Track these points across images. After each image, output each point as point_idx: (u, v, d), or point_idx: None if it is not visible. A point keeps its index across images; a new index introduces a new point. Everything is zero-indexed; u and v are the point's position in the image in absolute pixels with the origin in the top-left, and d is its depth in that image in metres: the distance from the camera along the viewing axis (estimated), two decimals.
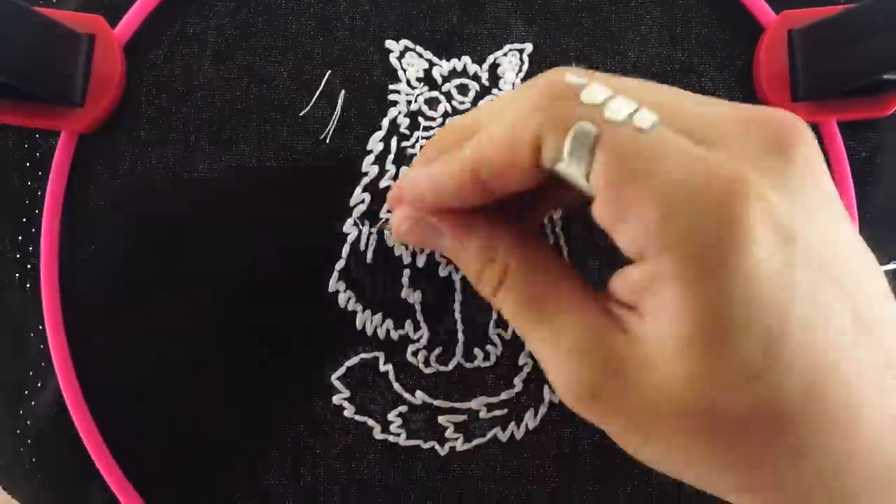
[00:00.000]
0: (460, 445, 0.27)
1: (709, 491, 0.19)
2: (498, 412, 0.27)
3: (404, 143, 0.27)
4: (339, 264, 0.27)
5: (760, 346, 0.17)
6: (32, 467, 0.28)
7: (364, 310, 0.27)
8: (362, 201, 0.27)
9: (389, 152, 0.27)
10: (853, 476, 0.18)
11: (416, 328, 0.27)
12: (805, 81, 0.27)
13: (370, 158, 0.27)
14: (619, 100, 0.18)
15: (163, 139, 0.27)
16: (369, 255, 0.27)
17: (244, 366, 0.27)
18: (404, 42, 0.28)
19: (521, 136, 0.19)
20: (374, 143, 0.27)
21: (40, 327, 0.27)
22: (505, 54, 0.28)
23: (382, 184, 0.27)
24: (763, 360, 0.17)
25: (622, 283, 0.19)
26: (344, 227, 0.27)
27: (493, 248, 0.21)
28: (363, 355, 0.27)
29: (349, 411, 0.27)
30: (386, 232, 0.27)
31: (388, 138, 0.27)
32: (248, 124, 0.27)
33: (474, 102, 0.28)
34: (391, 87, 0.28)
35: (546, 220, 0.27)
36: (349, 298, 0.27)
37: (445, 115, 0.28)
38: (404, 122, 0.28)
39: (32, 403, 0.28)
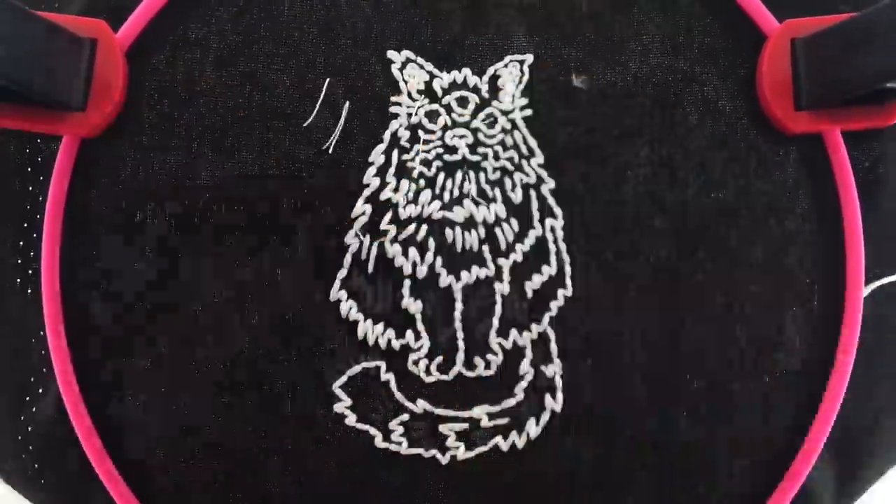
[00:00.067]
0: (462, 454, 0.27)
1: None
2: (499, 421, 0.27)
3: (405, 157, 0.27)
4: (341, 274, 0.27)
5: None
6: (35, 472, 0.28)
7: (365, 319, 0.27)
8: (363, 213, 0.27)
9: (390, 165, 0.27)
10: None
11: (417, 337, 0.27)
12: (808, 90, 0.27)
13: (372, 171, 0.27)
14: None
15: (165, 145, 0.27)
16: (370, 266, 0.27)
17: (246, 373, 0.27)
18: (406, 53, 0.28)
19: None
20: (377, 156, 0.27)
21: (41, 332, 0.27)
22: (505, 66, 0.28)
23: (383, 196, 0.27)
24: None
25: None
26: (346, 239, 0.27)
27: None
28: (365, 364, 0.27)
29: (351, 420, 0.27)
30: (386, 244, 0.27)
31: (389, 151, 0.27)
32: (251, 132, 0.27)
33: (473, 115, 0.28)
34: (392, 99, 0.28)
35: (548, 231, 0.27)
36: (350, 308, 0.27)
37: (445, 127, 0.28)
38: (405, 134, 0.28)
39: (34, 409, 0.28)
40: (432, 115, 0.28)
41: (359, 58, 0.28)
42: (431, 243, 0.27)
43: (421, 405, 0.27)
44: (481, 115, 0.28)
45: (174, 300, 0.27)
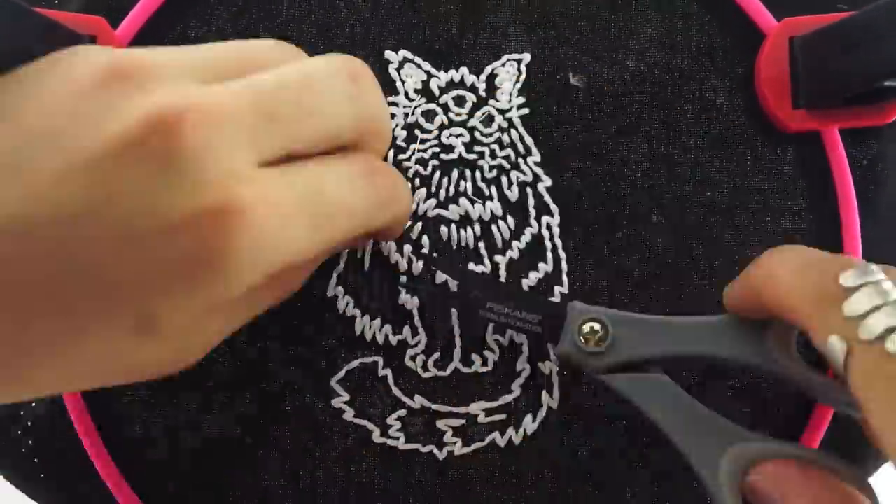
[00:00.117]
0: (459, 450, 0.27)
1: None
2: (496, 417, 0.27)
3: (400, 156, 0.28)
4: (338, 269, 0.27)
5: None
6: (35, 468, 0.28)
7: (363, 315, 0.27)
8: None
9: None
10: None
11: (414, 333, 0.27)
12: (806, 89, 0.27)
13: None
14: (880, 315, 0.18)
15: None
16: (366, 262, 0.27)
17: (244, 368, 0.27)
18: (403, 53, 0.28)
19: (791, 310, 0.20)
20: None
21: None
22: (503, 65, 0.28)
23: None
24: None
25: None
26: None
27: None
28: (362, 359, 0.27)
29: (348, 415, 0.27)
30: (382, 243, 0.27)
31: None
32: None
33: (470, 114, 0.28)
34: (390, 98, 0.28)
35: (544, 228, 0.27)
36: (348, 303, 0.27)
37: (442, 126, 0.28)
38: (401, 134, 0.28)
39: (33, 404, 0.28)
40: (429, 115, 0.28)
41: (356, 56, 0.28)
42: (426, 240, 0.27)
43: (418, 400, 0.27)
44: (478, 114, 0.28)
45: None
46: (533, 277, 0.27)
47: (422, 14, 0.28)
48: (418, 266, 0.27)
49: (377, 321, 0.27)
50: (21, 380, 0.19)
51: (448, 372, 0.27)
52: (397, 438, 0.27)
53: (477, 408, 0.27)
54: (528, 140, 0.28)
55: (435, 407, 0.27)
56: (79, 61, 0.19)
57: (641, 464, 0.27)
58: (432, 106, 0.28)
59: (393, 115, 0.28)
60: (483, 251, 0.27)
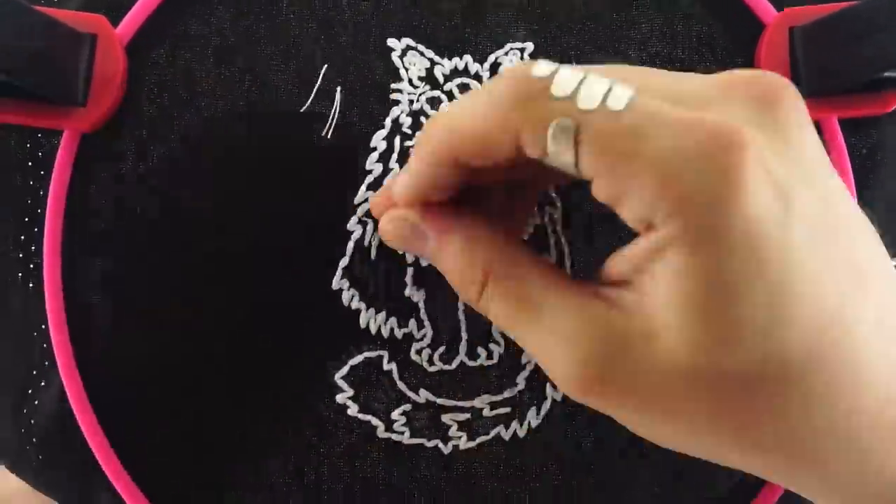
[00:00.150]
0: (464, 444, 0.27)
1: (716, 459, 0.19)
2: (501, 410, 0.27)
3: (407, 143, 0.28)
4: (343, 262, 0.27)
5: (765, 302, 0.16)
6: (39, 465, 0.28)
7: (368, 308, 0.27)
8: (366, 199, 0.27)
9: (393, 151, 0.27)
10: (864, 427, 0.18)
11: (420, 326, 0.27)
12: (806, 79, 0.27)
13: (374, 156, 0.27)
14: (590, 82, 0.18)
15: (165, 139, 0.27)
16: (373, 253, 0.27)
17: (248, 364, 0.27)
18: (406, 41, 0.28)
19: (500, 137, 0.18)
20: (378, 141, 0.27)
21: (43, 326, 0.27)
22: (506, 53, 0.28)
23: (386, 182, 0.27)
24: (768, 314, 0.16)
25: (619, 261, 0.19)
26: (348, 225, 0.27)
27: (474, 249, 0.21)
28: (367, 354, 0.27)
29: (353, 410, 0.27)
30: None
31: (391, 137, 0.27)
32: (251, 125, 0.27)
33: None
34: (393, 86, 0.28)
35: (546, 219, 0.27)
36: (353, 296, 0.27)
37: None
38: (407, 121, 0.28)
39: (36, 402, 0.28)
40: (434, 102, 0.28)
41: (358, 44, 0.28)
42: None
43: (423, 395, 0.27)
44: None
45: (176, 292, 0.27)
46: None
47: (424, 13, 0.28)
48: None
49: (382, 314, 0.27)
50: None
51: (454, 366, 0.27)
52: (402, 433, 0.27)
53: (482, 401, 0.27)
54: None
55: (440, 401, 0.27)
56: None
57: (645, 455, 0.27)
58: (437, 93, 0.28)
59: (398, 102, 0.28)
60: None
